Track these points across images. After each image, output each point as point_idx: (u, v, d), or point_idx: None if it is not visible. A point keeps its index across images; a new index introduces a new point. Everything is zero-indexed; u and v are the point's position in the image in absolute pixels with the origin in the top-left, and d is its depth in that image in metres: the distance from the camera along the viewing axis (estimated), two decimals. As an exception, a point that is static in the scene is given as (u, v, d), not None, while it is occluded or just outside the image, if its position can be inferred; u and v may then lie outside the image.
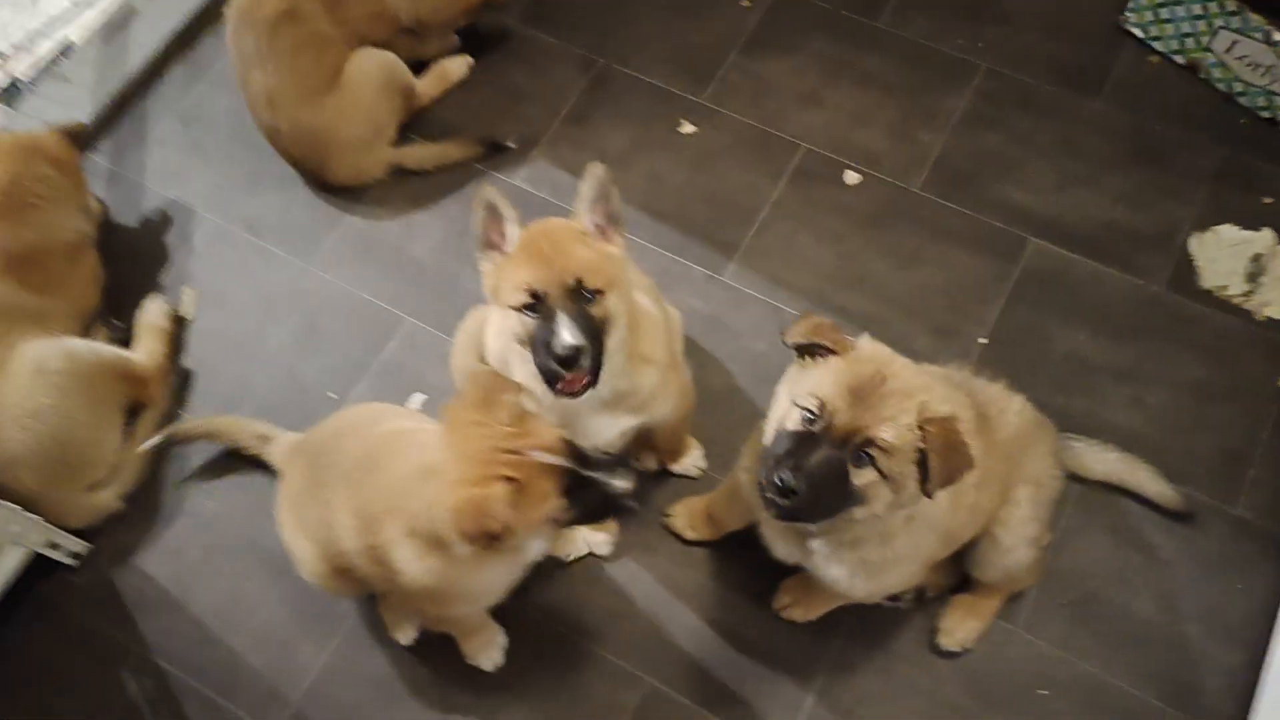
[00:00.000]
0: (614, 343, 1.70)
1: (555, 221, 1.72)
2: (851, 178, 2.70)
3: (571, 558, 2.19)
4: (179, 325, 2.56)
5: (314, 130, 2.61)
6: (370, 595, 2.14)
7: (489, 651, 2.09)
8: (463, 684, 2.11)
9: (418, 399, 2.44)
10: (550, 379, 1.65)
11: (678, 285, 2.52)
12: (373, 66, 2.65)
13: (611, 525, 2.21)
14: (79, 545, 2.24)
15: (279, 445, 2.17)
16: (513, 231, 1.70)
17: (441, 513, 1.47)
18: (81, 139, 2.62)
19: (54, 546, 2.17)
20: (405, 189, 2.75)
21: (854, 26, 2.95)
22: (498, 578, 1.77)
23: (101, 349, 2.34)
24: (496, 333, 2.13)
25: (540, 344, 1.62)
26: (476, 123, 2.82)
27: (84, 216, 2.53)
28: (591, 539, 2.19)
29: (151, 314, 2.51)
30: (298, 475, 1.93)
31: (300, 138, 2.63)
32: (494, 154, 2.76)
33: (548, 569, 2.17)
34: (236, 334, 2.56)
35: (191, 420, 2.39)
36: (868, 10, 2.97)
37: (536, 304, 1.63)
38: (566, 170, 2.74)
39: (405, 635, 2.14)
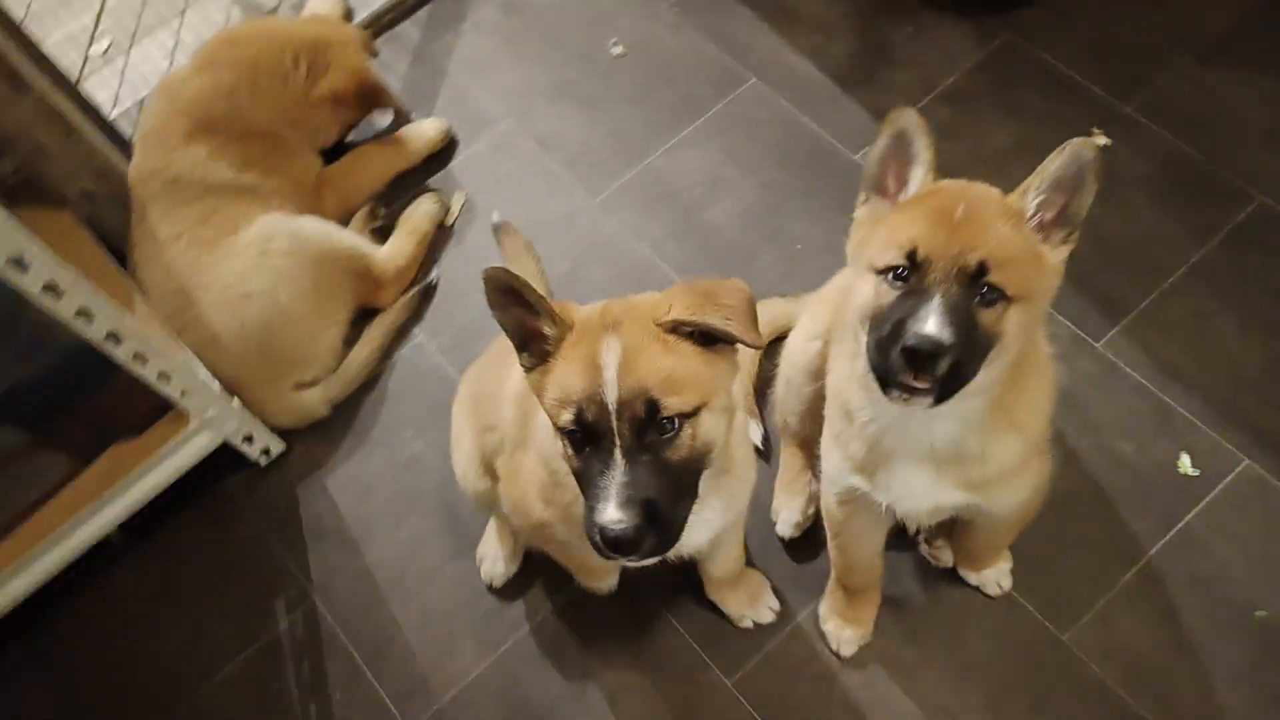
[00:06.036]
0: (989, 374, 1.17)
1: (982, 187, 1.21)
2: (1326, 256, 1.94)
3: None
4: (439, 231, 2.27)
5: None
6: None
7: (601, 581, 1.71)
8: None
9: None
10: (883, 375, 1.16)
11: (1035, 339, 1.91)
12: None
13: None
14: (275, 444, 2.01)
15: None
16: (918, 178, 1.22)
17: None
18: (372, 94, 2.26)
19: (248, 440, 1.94)
20: (724, 139, 2.30)
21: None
22: None
23: (337, 237, 2.06)
24: (806, 338, 1.63)
25: (890, 324, 1.13)
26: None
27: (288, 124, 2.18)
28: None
29: (419, 213, 2.22)
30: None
31: None
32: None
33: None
34: (491, 253, 2.23)
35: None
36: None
37: (909, 272, 1.14)
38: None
39: (493, 570, 1.83)
